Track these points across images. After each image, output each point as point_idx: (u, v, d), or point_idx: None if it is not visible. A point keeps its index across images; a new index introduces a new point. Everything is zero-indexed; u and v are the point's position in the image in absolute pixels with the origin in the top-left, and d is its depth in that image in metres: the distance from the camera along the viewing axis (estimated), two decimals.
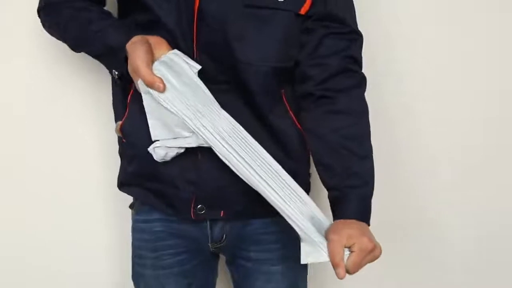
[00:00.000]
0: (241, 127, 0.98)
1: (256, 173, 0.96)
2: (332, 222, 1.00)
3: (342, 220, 0.99)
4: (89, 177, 1.36)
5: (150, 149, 1.01)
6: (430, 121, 1.42)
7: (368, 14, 1.12)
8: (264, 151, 0.98)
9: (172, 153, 1.01)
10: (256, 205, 1.01)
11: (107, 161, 1.15)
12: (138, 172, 1.08)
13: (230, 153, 0.96)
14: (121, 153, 1.13)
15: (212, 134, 0.96)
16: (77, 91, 1.31)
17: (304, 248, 0.96)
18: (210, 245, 1.12)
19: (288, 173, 1.00)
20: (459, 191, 1.47)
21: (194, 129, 0.96)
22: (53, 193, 1.35)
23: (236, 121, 0.99)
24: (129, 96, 1.06)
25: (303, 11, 1.01)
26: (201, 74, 0.98)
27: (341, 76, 1.04)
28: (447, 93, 1.41)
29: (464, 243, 1.50)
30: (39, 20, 1.11)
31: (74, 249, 1.38)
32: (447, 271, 1.51)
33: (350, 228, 0.96)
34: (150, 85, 0.94)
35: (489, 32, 1.39)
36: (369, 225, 1.01)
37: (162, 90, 0.94)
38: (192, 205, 1.05)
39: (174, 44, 0.98)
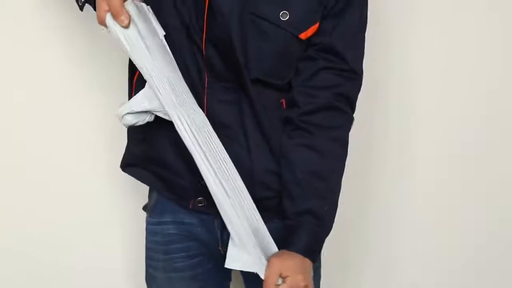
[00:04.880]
0: (208, 123, 0.98)
1: (211, 167, 0.97)
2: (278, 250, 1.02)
3: (288, 251, 1.01)
4: (103, 174, 1.39)
5: (118, 114, 0.97)
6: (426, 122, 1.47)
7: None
8: (227, 155, 0.99)
9: (142, 121, 0.99)
10: (258, 206, 1.02)
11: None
12: (144, 154, 1.09)
13: (189, 137, 0.96)
14: (129, 134, 1.14)
15: (179, 115, 0.95)
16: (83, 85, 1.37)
17: (231, 251, 0.99)
18: (220, 248, 1.12)
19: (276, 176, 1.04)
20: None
21: (156, 92, 0.94)
22: (66, 190, 1.39)
23: (241, 118, 1.02)
24: (135, 78, 1.06)
25: (303, 36, 1.01)
26: (208, 70, 1.01)
27: (327, 113, 1.04)
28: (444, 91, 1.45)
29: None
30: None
31: (91, 248, 1.42)
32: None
33: (292, 259, 0.99)
34: (115, 15, 0.91)
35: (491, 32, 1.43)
36: (313, 261, 1.03)
37: (126, 25, 0.92)
38: (193, 196, 1.07)
39: (185, 32, 0.99)
